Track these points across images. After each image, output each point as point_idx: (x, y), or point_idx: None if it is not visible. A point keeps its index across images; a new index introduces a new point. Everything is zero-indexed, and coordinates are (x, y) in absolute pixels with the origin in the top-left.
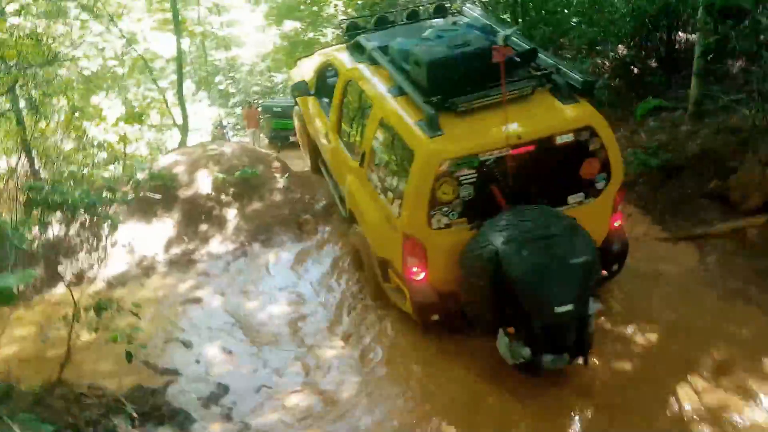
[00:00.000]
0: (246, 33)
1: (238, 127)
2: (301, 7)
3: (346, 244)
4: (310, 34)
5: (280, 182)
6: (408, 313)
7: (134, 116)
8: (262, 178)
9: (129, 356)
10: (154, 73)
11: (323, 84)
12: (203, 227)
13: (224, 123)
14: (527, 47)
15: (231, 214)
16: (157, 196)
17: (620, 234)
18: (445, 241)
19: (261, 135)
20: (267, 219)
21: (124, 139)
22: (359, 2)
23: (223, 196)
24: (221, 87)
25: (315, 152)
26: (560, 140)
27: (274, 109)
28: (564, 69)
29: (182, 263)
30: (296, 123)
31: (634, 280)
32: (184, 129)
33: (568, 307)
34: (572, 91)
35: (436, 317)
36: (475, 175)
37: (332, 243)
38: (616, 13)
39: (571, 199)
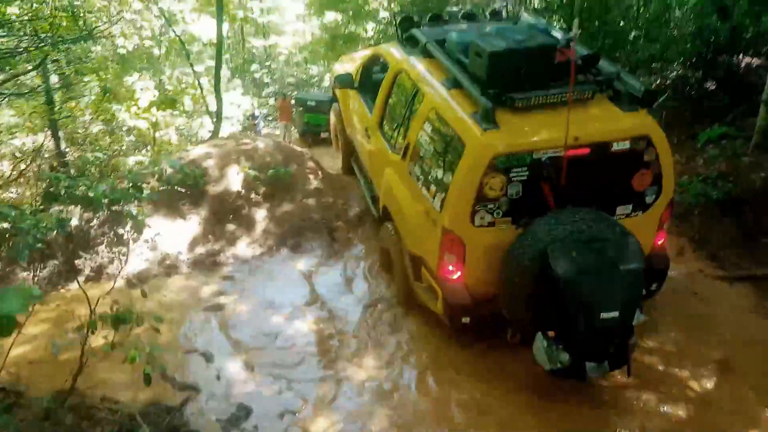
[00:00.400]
0: (286, 21)
1: (270, 118)
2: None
3: (378, 254)
4: (352, 28)
5: (314, 184)
6: (439, 319)
7: (167, 101)
8: (295, 178)
9: (148, 379)
10: (191, 57)
11: (367, 80)
12: (231, 227)
13: (257, 113)
14: (588, 52)
15: (260, 214)
16: (184, 191)
17: (663, 252)
18: (485, 240)
19: (293, 128)
20: (298, 223)
21: (155, 125)
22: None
23: (253, 195)
24: (257, 75)
25: (348, 151)
26: (616, 147)
27: (308, 102)
28: (625, 77)
29: (207, 264)
30: (332, 120)
31: (687, 321)
32: (218, 118)
33: (614, 314)
34: (633, 100)
35: (467, 320)
36: (526, 173)
37: (365, 255)
38: (680, 31)
39: (620, 209)
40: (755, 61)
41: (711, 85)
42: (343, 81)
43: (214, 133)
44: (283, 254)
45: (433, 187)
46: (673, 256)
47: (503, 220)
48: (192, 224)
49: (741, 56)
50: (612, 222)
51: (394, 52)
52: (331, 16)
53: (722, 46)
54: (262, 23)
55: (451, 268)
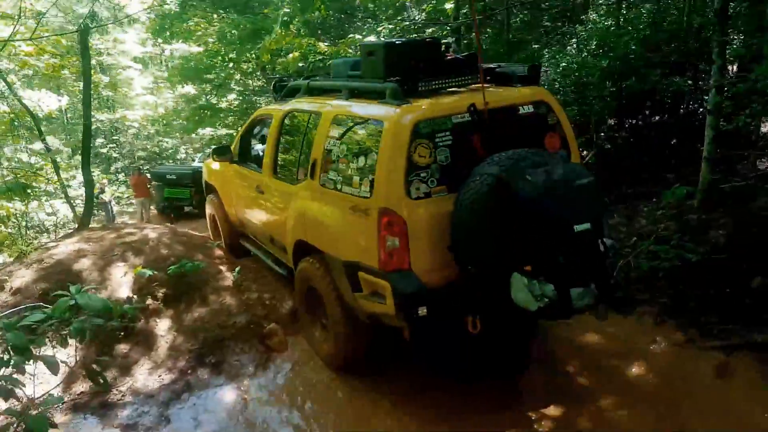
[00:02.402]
0: (135, 94)
1: (121, 196)
2: (215, 70)
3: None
4: (213, 99)
5: (228, 277)
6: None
7: (17, 188)
8: (204, 273)
9: None
10: (25, 135)
11: (246, 151)
12: (122, 348)
13: (106, 191)
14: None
15: (163, 326)
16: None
17: None
18: (425, 214)
19: (151, 205)
20: (216, 332)
21: (3, 220)
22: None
23: (150, 302)
24: (103, 151)
25: (235, 235)
26: (523, 111)
27: (168, 176)
28: (504, 66)
29: (93, 408)
30: (209, 212)
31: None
32: (88, 202)
33: (587, 226)
34: (521, 79)
35: (423, 310)
36: (450, 138)
37: (314, 361)
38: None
39: None
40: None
41: (627, 145)
42: (221, 152)
43: (82, 223)
44: (202, 378)
45: (356, 178)
46: (651, 327)
47: (439, 188)
48: (65, 351)
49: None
50: (547, 153)
51: (276, 106)
52: (189, 88)
53: (633, 106)
54: (105, 96)
55: (395, 254)
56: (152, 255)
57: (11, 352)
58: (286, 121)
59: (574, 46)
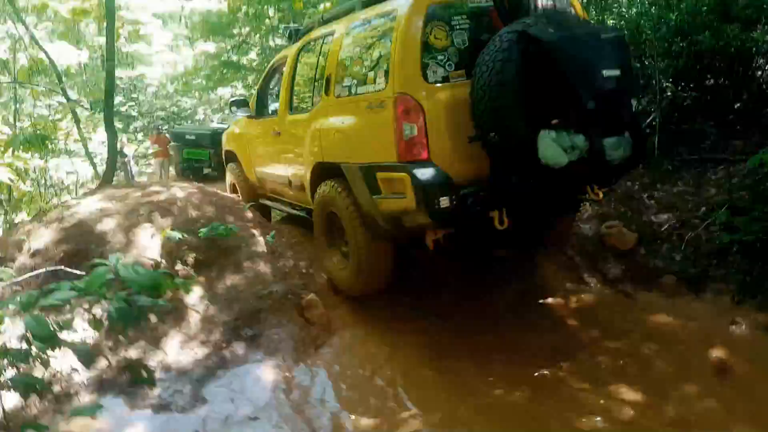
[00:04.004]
0: (154, 51)
1: (142, 154)
2: (239, 24)
3: (380, 339)
4: (234, 57)
5: (262, 243)
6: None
7: (34, 139)
8: (237, 237)
9: None
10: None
11: (262, 107)
12: (150, 320)
13: (126, 151)
14: None
15: (194, 295)
16: (80, 273)
17: None
18: (443, 99)
19: (170, 166)
20: (252, 302)
21: (21, 174)
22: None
23: (179, 267)
24: (122, 109)
25: (254, 195)
26: None
27: (187, 136)
28: None
29: (122, 386)
30: (230, 178)
31: None
32: (111, 159)
33: (616, 72)
34: None
35: (446, 202)
36: (467, 22)
37: (359, 336)
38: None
39: None
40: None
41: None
42: (240, 104)
43: (104, 179)
44: (239, 353)
45: (371, 74)
46: (729, 307)
47: (457, 73)
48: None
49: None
50: (573, 14)
51: (289, 49)
52: (210, 46)
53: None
54: (125, 52)
55: (412, 145)
56: (181, 216)
57: (31, 341)
58: (300, 56)
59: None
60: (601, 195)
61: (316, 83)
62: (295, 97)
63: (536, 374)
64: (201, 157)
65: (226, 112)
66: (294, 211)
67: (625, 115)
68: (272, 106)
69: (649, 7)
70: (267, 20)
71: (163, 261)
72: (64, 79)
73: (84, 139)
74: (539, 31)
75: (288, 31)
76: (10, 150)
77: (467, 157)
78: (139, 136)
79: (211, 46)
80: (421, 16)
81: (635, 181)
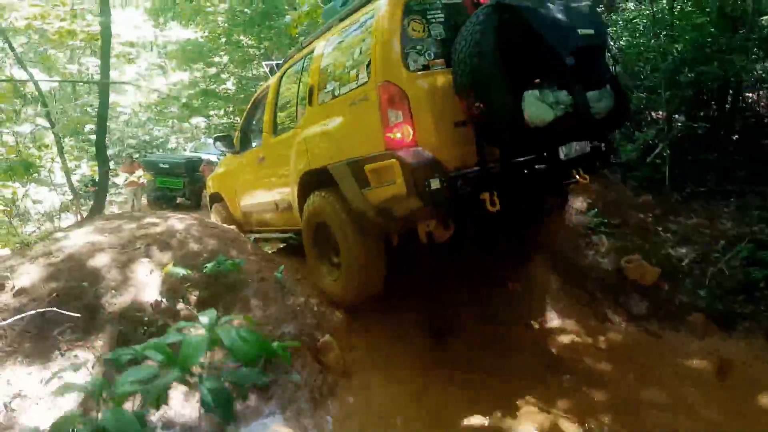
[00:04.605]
0: (127, 78)
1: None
2: (221, 52)
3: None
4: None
5: (270, 278)
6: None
7: (18, 167)
8: (243, 272)
9: None
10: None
11: (247, 139)
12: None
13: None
14: None
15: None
16: (73, 315)
17: None
18: (425, 86)
19: (142, 196)
20: None
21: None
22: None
23: (181, 306)
24: (92, 136)
25: (241, 230)
26: None
27: (160, 165)
28: None
29: None
30: (216, 219)
31: None
32: (101, 187)
33: (590, 30)
34: None
35: (436, 183)
36: (442, 15)
37: (377, 381)
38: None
39: None
40: None
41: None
42: (225, 142)
43: (94, 210)
44: (248, 410)
45: (353, 72)
46: (763, 347)
47: (437, 61)
48: (81, 369)
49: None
50: None
51: (272, 78)
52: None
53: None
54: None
55: (399, 130)
56: (181, 250)
57: None
58: (282, 82)
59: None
60: (587, 179)
61: (299, 101)
62: (278, 120)
63: None
64: (175, 185)
65: (202, 140)
66: (281, 236)
67: (604, 71)
68: (256, 142)
69: (653, 37)
70: (250, 50)
71: (164, 300)
72: (31, 105)
73: (67, 168)
74: (514, 1)
75: (270, 68)
76: None
77: (454, 143)
78: (111, 164)
79: (185, 75)
80: (398, 11)
81: (647, 213)
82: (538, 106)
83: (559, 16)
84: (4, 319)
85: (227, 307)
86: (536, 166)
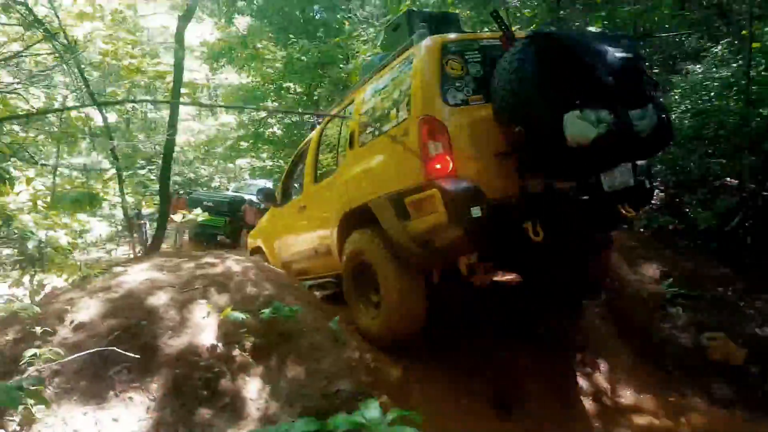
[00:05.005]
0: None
1: (153, 219)
2: (272, 97)
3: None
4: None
5: (324, 329)
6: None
7: (85, 197)
8: (299, 321)
9: None
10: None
11: (288, 192)
12: (205, 413)
13: (144, 212)
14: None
15: (253, 386)
16: (133, 356)
17: None
18: (464, 119)
19: (185, 231)
20: (317, 402)
21: (76, 236)
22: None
23: (237, 353)
24: (141, 172)
25: None
26: None
27: (204, 203)
28: None
29: None
30: None
31: None
32: (161, 226)
33: (629, 53)
34: None
35: (477, 211)
36: (479, 55)
37: None
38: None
39: None
40: None
41: None
42: (267, 196)
43: (153, 246)
44: None
45: (393, 111)
46: None
47: (476, 97)
48: (135, 412)
49: None
50: None
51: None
52: (231, 118)
53: None
54: (151, 117)
55: (438, 162)
56: (238, 293)
57: None
58: (324, 133)
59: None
60: (633, 213)
61: (340, 148)
62: (319, 169)
63: None
64: (217, 224)
65: (245, 180)
66: (319, 281)
67: (646, 92)
68: (296, 196)
69: (730, 102)
70: (299, 96)
71: (220, 345)
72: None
73: (126, 202)
74: (551, 31)
75: (311, 125)
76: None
77: (494, 174)
78: (156, 199)
79: (232, 118)
80: (437, 51)
81: (727, 286)
82: (579, 125)
83: (595, 40)
84: (62, 355)
85: (281, 356)
86: (580, 197)
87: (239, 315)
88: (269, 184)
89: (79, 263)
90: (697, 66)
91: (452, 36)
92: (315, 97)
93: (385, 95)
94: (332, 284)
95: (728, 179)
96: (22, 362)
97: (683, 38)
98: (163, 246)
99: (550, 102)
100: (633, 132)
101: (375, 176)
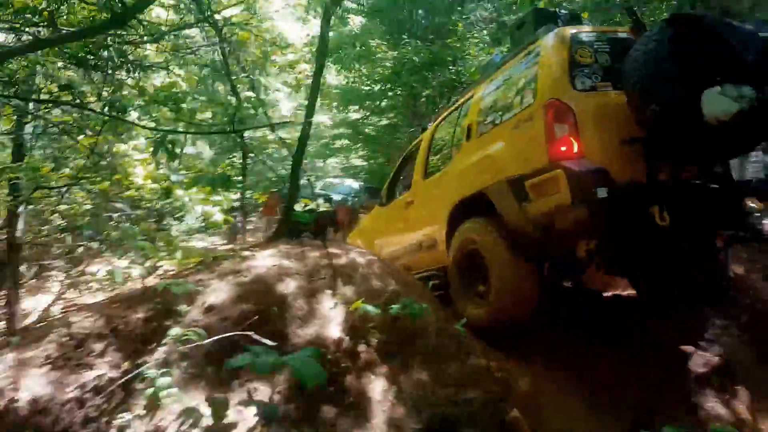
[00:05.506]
0: (278, 117)
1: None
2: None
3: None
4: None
5: (449, 332)
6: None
7: (219, 180)
8: (427, 321)
9: None
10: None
11: (392, 193)
12: (327, 411)
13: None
14: None
15: (378, 386)
16: (268, 342)
17: None
18: (592, 104)
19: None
20: (445, 409)
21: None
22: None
23: (362, 349)
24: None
25: None
26: None
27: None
28: None
29: None
30: None
31: None
32: (287, 212)
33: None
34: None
35: (603, 192)
36: (608, 46)
37: None
38: None
39: None
40: None
41: None
42: (373, 193)
43: (277, 233)
44: None
45: (517, 99)
46: None
47: (604, 83)
48: (254, 407)
49: None
50: None
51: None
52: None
53: None
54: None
55: (564, 144)
56: (363, 285)
57: None
58: (436, 132)
59: None
60: (760, 205)
61: (454, 143)
62: (430, 166)
63: None
64: (306, 220)
65: (332, 179)
66: (422, 275)
67: None
68: (402, 190)
69: None
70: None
71: (347, 338)
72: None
73: (245, 187)
74: (689, 13)
75: (422, 127)
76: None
77: (621, 160)
78: (248, 193)
79: (325, 117)
80: (566, 39)
81: None
82: (720, 100)
83: (735, 24)
84: (204, 335)
85: (406, 356)
86: (709, 185)
87: (370, 308)
88: (356, 185)
89: (196, 248)
90: None
91: (582, 27)
92: (423, 98)
93: (507, 86)
94: (437, 276)
95: None
96: (159, 343)
97: None
98: (250, 239)
99: (688, 79)
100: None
101: (493, 163)
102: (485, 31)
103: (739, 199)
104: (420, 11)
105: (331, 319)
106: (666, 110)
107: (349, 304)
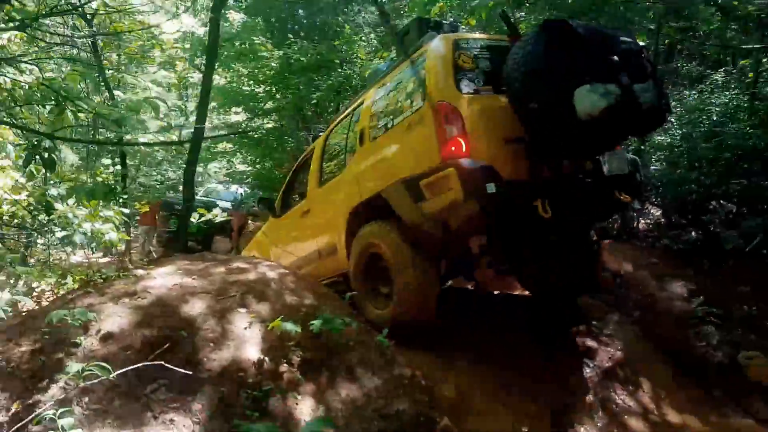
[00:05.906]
0: (150, 118)
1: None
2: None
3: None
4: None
5: (370, 343)
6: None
7: (99, 190)
8: (344, 335)
9: None
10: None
11: (287, 203)
12: None
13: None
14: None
15: (304, 407)
16: (183, 371)
17: None
18: (476, 106)
19: (154, 236)
20: (376, 424)
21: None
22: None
23: (284, 368)
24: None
25: None
26: None
27: (176, 206)
28: None
29: None
30: None
31: None
32: (182, 226)
33: (628, 38)
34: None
35: (492, 187)
36: (488, 53)
37: None
38: None
39: None
40: None
41: None
42: (267, 204)
43: (173, 248)
44: None
45: (407, 102)
46: None
47: (485, 87)
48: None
49: None
50: None
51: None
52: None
53: None
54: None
55: (453, 144)
56: (278, 302)
57: None
58: (328, 139)
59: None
60: (629, 198)
61: (348, 149)
62: (324, 172)
63: None
64: (195, 231)
65: (213, 185)
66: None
67: (646, 69)
68: (296, 200)
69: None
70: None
71: (267, 359)
72: None
73: (129, 198)
74: (560, 19)
75: (313, 136)
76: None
77: (505, 158)
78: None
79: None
80: (450, 46)
81: (751, 306)
82: (590, 97)
83: (600, 30)
84: (109, 370)
85: (332, 372)
86: (584, 179)
87: (291, 326)
88: (241, 190)
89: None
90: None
91: (462, 34)
92: (312, 101)
93: (397, 91)
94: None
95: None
96: (51, 379)
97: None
98: (132, 252)
99: (561, 78)
100: (638, 103)
101: (388, 165)
102: (372, 35)
103: (611, 193)
104: (300, 11)
105: (247, 340)
106: (544, 107)
107: (264, 322)
